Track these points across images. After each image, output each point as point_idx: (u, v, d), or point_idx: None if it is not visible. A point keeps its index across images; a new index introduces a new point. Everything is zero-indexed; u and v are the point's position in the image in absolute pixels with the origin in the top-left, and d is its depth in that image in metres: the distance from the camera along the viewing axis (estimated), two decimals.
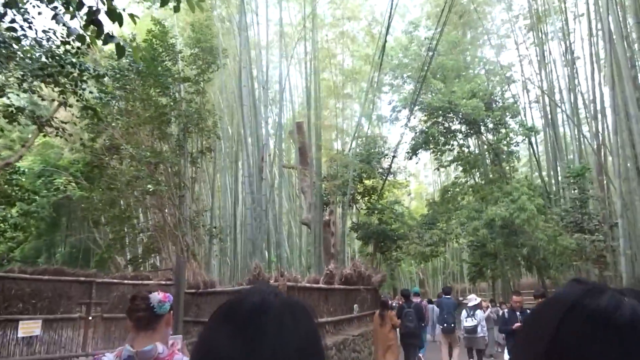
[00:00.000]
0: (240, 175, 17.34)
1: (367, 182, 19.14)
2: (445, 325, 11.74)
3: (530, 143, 21.57)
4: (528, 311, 7.93)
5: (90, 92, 10.46)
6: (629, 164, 11.93)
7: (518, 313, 8.30)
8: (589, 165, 15.37)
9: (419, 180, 43.09)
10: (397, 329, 10.85)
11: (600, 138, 15.14)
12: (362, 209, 19.55)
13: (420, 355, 12.19)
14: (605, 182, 14.83)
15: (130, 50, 4.75)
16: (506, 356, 9.71)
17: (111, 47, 7.85)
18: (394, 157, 19.56)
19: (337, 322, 12.35)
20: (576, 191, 14.66)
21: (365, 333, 13.69)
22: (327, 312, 11.71)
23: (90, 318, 10.28)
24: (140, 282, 12.40)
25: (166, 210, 15.04)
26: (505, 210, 15.91)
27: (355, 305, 14.03)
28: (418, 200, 40.12)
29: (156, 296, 2.27)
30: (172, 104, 14.53)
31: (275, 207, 15.45)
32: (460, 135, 21.51)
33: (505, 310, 8.95)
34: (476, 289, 34.32)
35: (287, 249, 23.64)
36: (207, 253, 17.36)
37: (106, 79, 12.23)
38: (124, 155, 14.57)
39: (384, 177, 19.08)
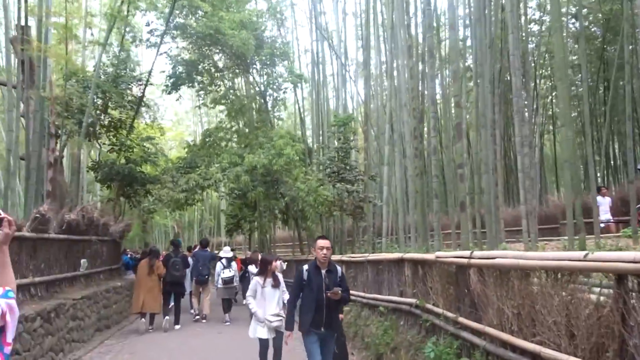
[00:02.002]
0: None
1: (113, 112, 15.70)
2: (199, 276, 12.29)
3: (296, 95, 21.09)
4: (339, 269, 5.53)
5: None
6: (393, 114, 11.82)
7: (324, 272, 5.46)
8: (353, 115, 15.34)
9: (179, 129, 39.98)
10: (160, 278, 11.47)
11: (370, 88, 15.16)
12: (105, 144, 16.05)
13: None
14: (369, 133, 14.94)
15: None
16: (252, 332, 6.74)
17: None
18: (147, 82, 16.41)
19: (51, 282, 9.29)
20: (341, 140, 14.38)
21: (96, 294, 10.91)
22: (35, 270, 8.57)
23: None
24: None
25: None
26: (265, 157, 14.80)
27: (84, 260, 11.05)
28: (179, 151, 37.24)
29: None
30: None
31: None
32: (228, 76, 19.65)
33: (304, 267, 5.60)
34: (233, 242, 33.87)
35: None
36: None
37: None
38: None
39: (135, 108, 15.90)
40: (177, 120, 42.99)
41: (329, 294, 5.27)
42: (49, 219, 8.64)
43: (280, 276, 6.95)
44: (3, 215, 2.13)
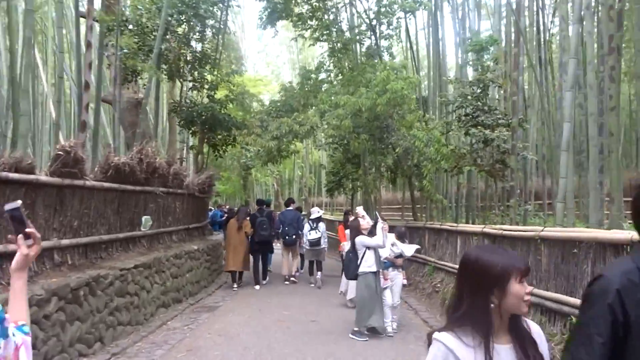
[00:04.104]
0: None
1: (195, 46, 13.24)
2: (287, 237, 11.72)
3: (408, 31, 17.37)
4: None
5: None
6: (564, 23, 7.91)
7: None
8: (496, 37, 11.36)
9: (274, 85, 37.30)
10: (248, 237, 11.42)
11: None
12: (187, 80, 13.72)
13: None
14: (520, 58, 10.92)
15: None
16: None
17: None
18: (229, 3, 13.60)
19: (92, 245, 7.01)
20: (478, 72, 10.66)
21: (159, 261, 8.60)
22: (64, 229, 6.27)
23: None
24: None
25: None
26: (366, 97, 11.47)
27: (146, 218, 8.75)
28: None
29: None
30: None
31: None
32: (331, 5, 16.41)
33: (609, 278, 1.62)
34: (334, 203, 31.48)
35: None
36: None
37: None
38: None
39: (218, 36, 13.30)
40: (274, 75, 40.60)
41: None
42: (79, 159, 6.19)
43: None
44: (29, 229, 1.54)
